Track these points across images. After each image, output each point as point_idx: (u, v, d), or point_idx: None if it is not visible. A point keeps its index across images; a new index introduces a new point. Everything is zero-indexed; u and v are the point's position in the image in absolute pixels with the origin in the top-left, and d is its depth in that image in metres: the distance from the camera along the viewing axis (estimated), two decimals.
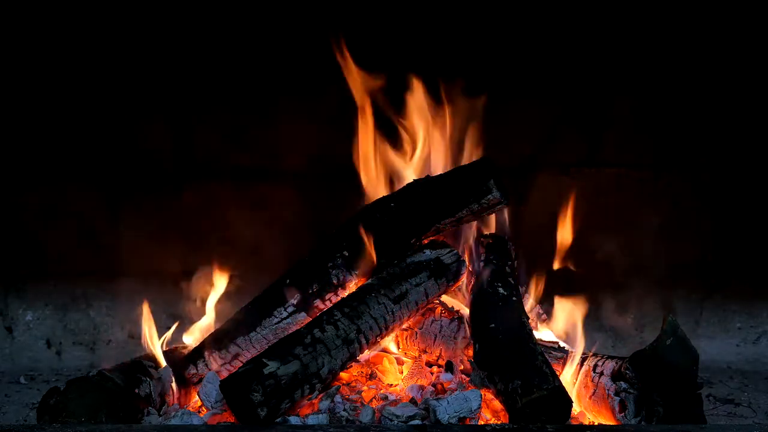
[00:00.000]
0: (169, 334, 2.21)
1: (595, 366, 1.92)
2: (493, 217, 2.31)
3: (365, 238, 2.07)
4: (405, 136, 2.38)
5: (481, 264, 2.20)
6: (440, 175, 2.20)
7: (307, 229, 2.84)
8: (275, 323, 2.06)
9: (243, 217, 2.89)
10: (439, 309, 2.16)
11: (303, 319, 2.05)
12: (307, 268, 2.12)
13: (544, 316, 2.28)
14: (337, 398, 1.87)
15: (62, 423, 1.73)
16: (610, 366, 1.88)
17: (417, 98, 2.35)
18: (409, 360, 2.16)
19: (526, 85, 2.84)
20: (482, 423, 1.79)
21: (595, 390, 1.88)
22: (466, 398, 1.79)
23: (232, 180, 2.91)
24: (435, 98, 2.38)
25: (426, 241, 2.16)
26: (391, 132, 2.39)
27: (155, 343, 2.09)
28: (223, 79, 2.85)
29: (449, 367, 2.07)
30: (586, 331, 2.12)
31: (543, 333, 2.23)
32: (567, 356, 2.02)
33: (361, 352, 1.95)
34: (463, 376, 2.02)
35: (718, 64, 2.83)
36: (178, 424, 1.80)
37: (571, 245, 2.42)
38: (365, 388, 1.99)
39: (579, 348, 2.04)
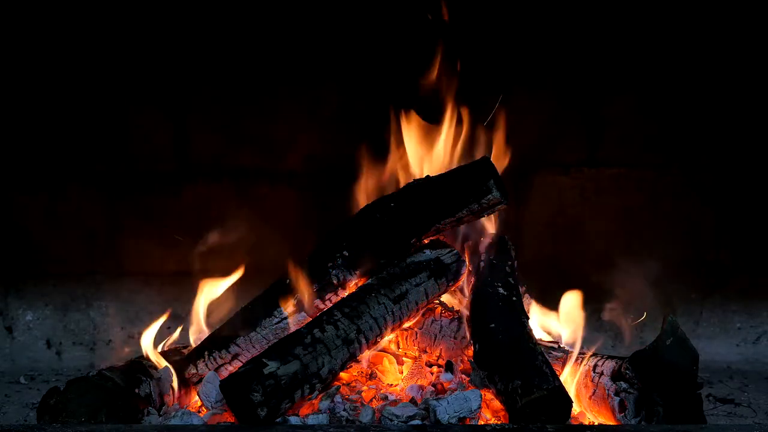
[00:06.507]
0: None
1: (595, 366, 1.92)
2: (493, 217, 2.31)
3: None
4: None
5: (481, 264, 2.20)
6: (440, 175, 2.19)
7: (307, 229, 2.84)
8: (275, 323, 2.05)
9: (242, 216, 2.89)
10: (439, 309, 2.16)
11: (303, 319, 2.05)
12: (307, 268, 2.12)
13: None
14: (337, 398, 1.87)
15: (62, 423, 1.72)
16: (610, 366, 1.88)
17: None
18: (409, 360, 2.16)
19: (526, 85, 2.84)
20: (482, 423, 1.79)
21: (595, 390, 1.88)
22: (466, 398, 1.79)
23: (231, 180, 2.91)
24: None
25: (426, 241, 2.16)
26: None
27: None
28: (223, 79, 2.85)
29: (449, 367, 2.07)
30: (586, 331, 2.12)
31: (543, 333, 2.23)
32: (567, 356, 2.02)
33: (361, 352, 1.95)
34: (463, 376, 2.02)
35: (718, 64, 2.83)
36: (178, 424, 1.80)
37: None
38: (365, 388, 1.99)
39: (578, 348, 2.04)
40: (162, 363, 2.03)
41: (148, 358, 2.05)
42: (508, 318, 1.97)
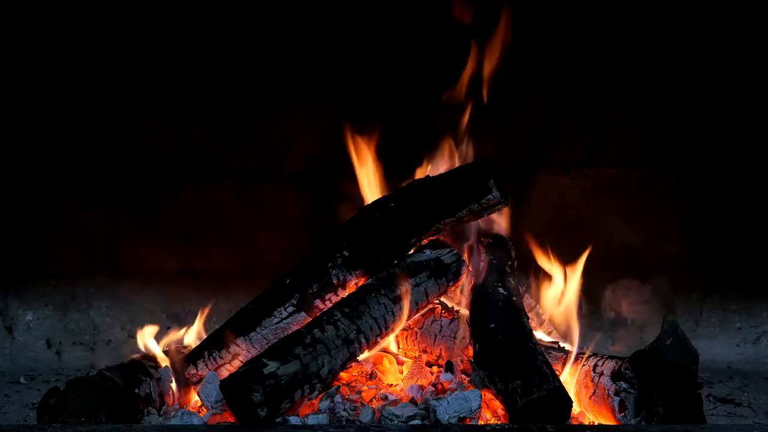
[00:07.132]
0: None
1: (595, 366, 1.92)
2: (493, 217, 2.31)
3: None
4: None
5: (481, 264, 2.20)
6: (440, 175, 2.20)
7: (307, 229, 2.84)
8: (275, 323, 2.05)
9: (242, 216, 2.90)
10: (439, 309, 2.16)
11: (303, 319, 2.05)
12: (307, 268, 2.12)
13: (544, 316, 2.28)
14: (337, 398, 1.87)
15: (62, 423, 1.72)
16: (610, 366, 1.88)
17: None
18: (409, 360, 2.16)
19: (526, 86, 2.84)
20: (482, 423, 1.79)
21: (595, 390, 1.88)
22: (466, 398, 1.79)
23: (232, 180, 2.91)
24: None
25: (426, 241, 2.16)
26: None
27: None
28: (224, 79, 2.85)
29: (449, 367, 2.07)
30: (586, 330, 2.12)
31: (543, 333, 2.23)
32: (567, 356, 2.02)
33: (361, 352, 1.95)
34: (463, 376, 2.02)
35: (718, 64, 2.83)
36: (178, 424, 1.80)
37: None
38: (365, 388, 1.99)
39: (578, 348, 2.04)
40: (163, 362, 2.03)
41: (148, 358, 2.05)
42: (508, 318, 1.97)
